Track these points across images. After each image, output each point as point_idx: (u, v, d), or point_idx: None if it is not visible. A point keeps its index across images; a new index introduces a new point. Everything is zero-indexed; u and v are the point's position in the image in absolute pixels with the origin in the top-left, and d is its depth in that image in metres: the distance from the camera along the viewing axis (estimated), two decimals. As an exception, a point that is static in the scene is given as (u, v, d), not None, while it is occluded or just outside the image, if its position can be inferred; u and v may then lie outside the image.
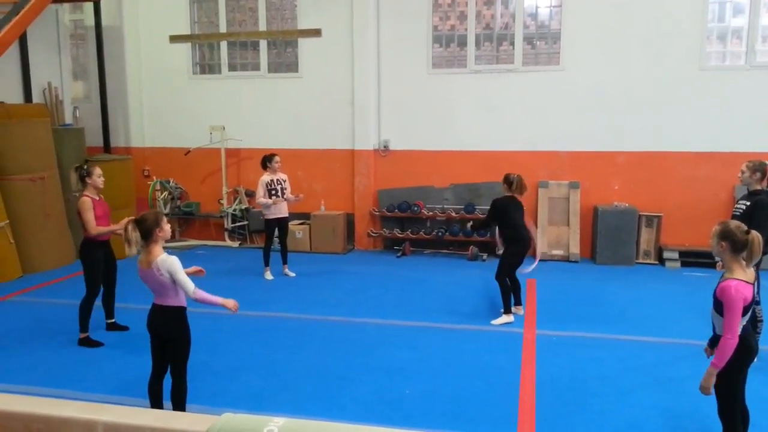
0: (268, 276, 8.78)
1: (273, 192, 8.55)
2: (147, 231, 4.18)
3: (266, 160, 8.64)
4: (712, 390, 3.69)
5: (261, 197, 8.55)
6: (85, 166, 6.20)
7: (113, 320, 6.63)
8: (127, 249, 4.16)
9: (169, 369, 4.40)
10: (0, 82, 9.63)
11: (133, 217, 4.30)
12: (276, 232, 8.83)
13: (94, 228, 6.03)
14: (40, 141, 9.32)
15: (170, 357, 4.34)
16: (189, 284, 4.17)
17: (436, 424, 4.59)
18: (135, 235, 4.13)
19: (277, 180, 8.62)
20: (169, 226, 4.35)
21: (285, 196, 8.66)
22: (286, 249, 9.01)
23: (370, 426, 2.23)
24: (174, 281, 4.15)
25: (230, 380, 5.39)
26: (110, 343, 6.24)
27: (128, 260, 9.22)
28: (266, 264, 8.84)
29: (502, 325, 6.77)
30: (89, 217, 6.00)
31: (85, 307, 6.18)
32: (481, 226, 7.58)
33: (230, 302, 4.35)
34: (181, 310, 4.27)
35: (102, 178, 6.25)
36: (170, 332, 4.28)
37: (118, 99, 11.42)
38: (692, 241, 9.51)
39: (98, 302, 6.35)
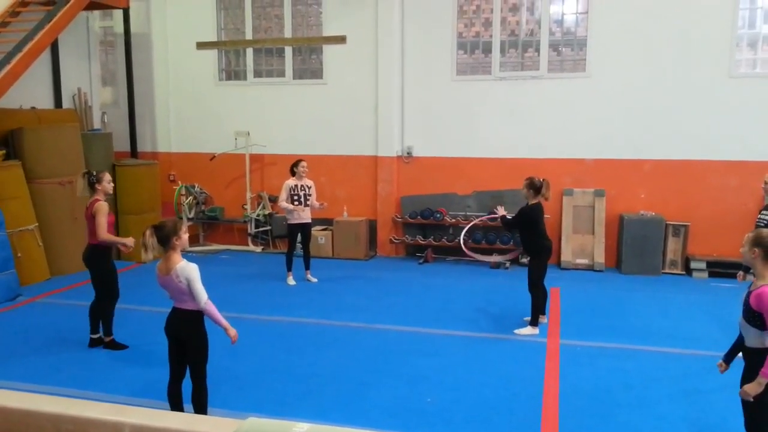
0: (291, 281, 8.82)
1: (295, 197, 8.59)
2: (164, 238, 4.21)
3: (293, 166, 8.69)
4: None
5: (283, 201, 8.61)
6: (94, 172, 6.17)
7: (99, 335, 6.36)
8: (143, 254, 4.18)
9: (188, 373, 4.42)
10: (32, 87, 9.83)
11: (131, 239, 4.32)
12: (299, 238, 8.87)
13: (105, 234, 5.96)
14: (69, 145, 9.49)
15: (189, 360, 4.37)
16: (203, 294, 4.19)
17: (458, 432, 4.56)
18: (152, 240, 4.16)
19: (302, 186, 8.66)
20: (187, 235, 4.37)
21: (308, 203, 8.69)
22: (308, 254, 9.03)
23: (394, 433, 2.22)
24: (189, 288, 4.17)
25: (252, 385, 5.42)
26: (135, 346, 6.31)
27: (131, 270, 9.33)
28: (289, 269, 8.88)
29: (526, 336, 6.72)
30: (104, 221, 5.95)
31: (108, 311, 6.21)
32: (508, 226, 7.20)
33: (233, 331, 4.33)
34: (199, 314, 4.29)
35: (112, 184, 6.26)
36: (188, 335, 4.31)
37: (146, 105, 11.59)
38: (720, 251, 9.35)
39: (86, 312, 6.35)
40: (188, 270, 4.18)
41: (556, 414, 4.85)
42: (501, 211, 7.00)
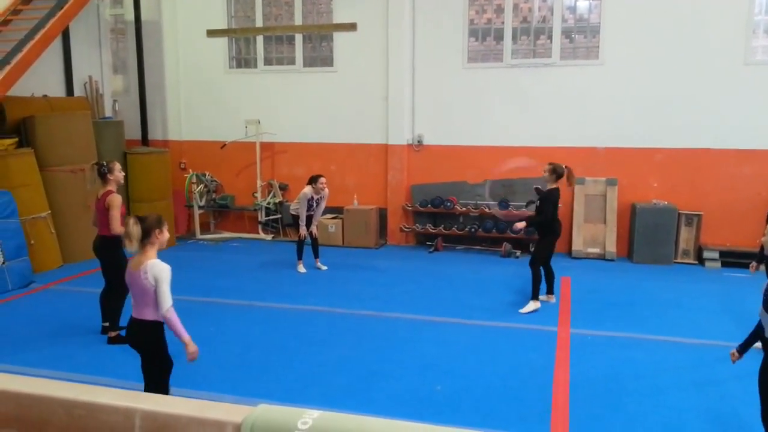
0: (301, 269, 8.85)
1: (307, 207, 8.69)
2: (147, 229, 4.02)
3: (312, 181, 8.67)
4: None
5: (299, 210, 8.65)
6: (105, 162, 6.11)
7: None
8: (128, 244, 4.00)
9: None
10: (43, 75, 9.85)
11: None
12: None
13: (119, 227, 5.83)
14: (81, 133, 9.53)
15: (147, 373, 4.16)
16: (167, 300, 3.94)
17: (467, 420, 4.56)
18: (136, 229, 3.97)
19: (318, 198, 8.72)
20: (167, 235, 4.19)
21: (310, 229, 8.80)
22: (317, 243, 9.09)
23: (403, 421, 2.22)
24: (156, 290, 3.95)
25: (263, 372, 5.45)
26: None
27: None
28: (299, 257, 8.91)
29: (530, 312, 6.92)
30: (118, 214, 5.89)
31: (116, 305, 6.10)
32: (538, 224, 7.16)
33: (193, 347, 4.06)
34: (157, 325, 4.06)
35: (123, 173, 6.20)
36: (144, 346, 4.09)
37: (156, 93, 11.59)
38: (733, 241, 9.26)
39: (98, 299, 6.32)
40: (158, 269, 3.96)
41: (566, 402, 4.84)
42: (520, 225, 7.07)
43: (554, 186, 6.95)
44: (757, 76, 9.05)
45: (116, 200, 5.94)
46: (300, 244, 8.91)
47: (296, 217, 8.82)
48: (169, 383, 4.25)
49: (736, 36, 9.03)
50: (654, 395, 4.98)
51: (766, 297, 3.55)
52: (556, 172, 6.94)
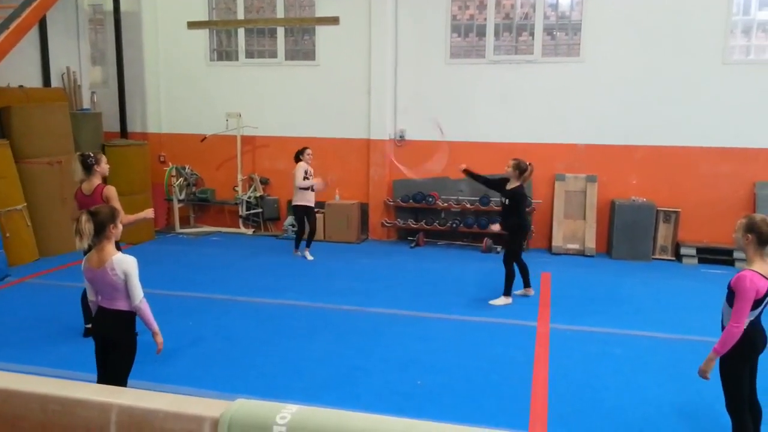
0: (309, 256, 9.20)
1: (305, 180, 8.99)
2: (100, 225, 3.86)
3: (299, 153, 8.99)
4: (710, 376, 3.77)
5: (300, 180, 8.87)
6: (92, 154, 5.89)
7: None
8: (78, 242, 3.84)
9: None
10: (20, 66, 9.66)
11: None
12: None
13: (125, 217, 5.38)
14: (58, 125, 9.38)
15: (111, 366, 4.03)
16: (139, 291, 3.89)
17: (448, 415, 4.57)
18: (89, 226, 3.81)
19: (309, 171, 9.07)
20: (121, 227, 4.08)
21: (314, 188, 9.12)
22: (313, 233, 9.35)
23: (383, 416, 2.21)
24: (126, 283, 3.88)
25: (243, 366, 5.41)
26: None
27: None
28: (296, 247, 9.34)
29: (500, 306, 7.06)
30: (119, 206, 5.43)
31: None
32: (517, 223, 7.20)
33: (161, 338, 4.08)
34: (130, 315, 3.98)
35: (108, 165, 6.02)
36: (115, 337, 3.98)
37: (136, 84, 11.45)
38: (710, 238, 9.40)
39: (75, 294, 6.15)
40: (126, 263, 3.86)
41: (546, 397, 4.88)
42: (496, 228, 7.53)
43: (518, 182, 7.00)
44: (735, 75, 9.17)
45: (114, 192, 5.68)
46: (299, 234, 9.25)
47: (305, 189, 8.96)
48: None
49: (715, 36, 9.14)
50: (632, 390, 5.04)
51: (729, 289, 3.64)
52: (520, 168, 6.97)
